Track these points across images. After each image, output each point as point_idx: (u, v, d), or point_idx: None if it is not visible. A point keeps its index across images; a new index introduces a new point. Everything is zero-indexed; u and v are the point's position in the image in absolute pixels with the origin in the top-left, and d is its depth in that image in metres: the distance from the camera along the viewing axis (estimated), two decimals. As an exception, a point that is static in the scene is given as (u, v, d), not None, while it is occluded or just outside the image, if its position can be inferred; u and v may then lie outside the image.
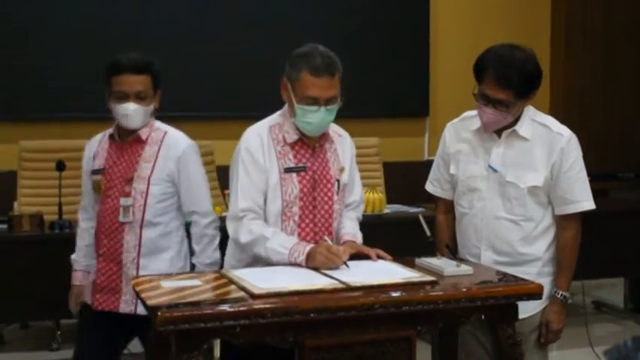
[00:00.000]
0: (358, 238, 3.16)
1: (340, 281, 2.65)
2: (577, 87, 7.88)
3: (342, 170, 3.13)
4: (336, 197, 3.10)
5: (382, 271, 2.81)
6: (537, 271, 3.11)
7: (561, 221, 3.14)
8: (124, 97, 3.21)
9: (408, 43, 7.17)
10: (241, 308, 2.43)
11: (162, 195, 3.29)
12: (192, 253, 3.40)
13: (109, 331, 3.35)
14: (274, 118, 3.09)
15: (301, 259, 2.86)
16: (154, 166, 3.29)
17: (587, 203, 3.12)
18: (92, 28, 6.33)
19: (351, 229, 3.18)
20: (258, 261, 2.97)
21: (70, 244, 3.53)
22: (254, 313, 2.43)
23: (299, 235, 3.03)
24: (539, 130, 3.11)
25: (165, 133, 3.35)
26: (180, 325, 2.36)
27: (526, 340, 3.06)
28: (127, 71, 3.21)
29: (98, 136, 3.41)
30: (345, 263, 2.83)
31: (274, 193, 3.01)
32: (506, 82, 2.97)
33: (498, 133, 3.12)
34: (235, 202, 2.99)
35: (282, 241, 2.92)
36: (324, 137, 3.11)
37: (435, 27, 7.40)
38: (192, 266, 3.37)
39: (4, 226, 4.65)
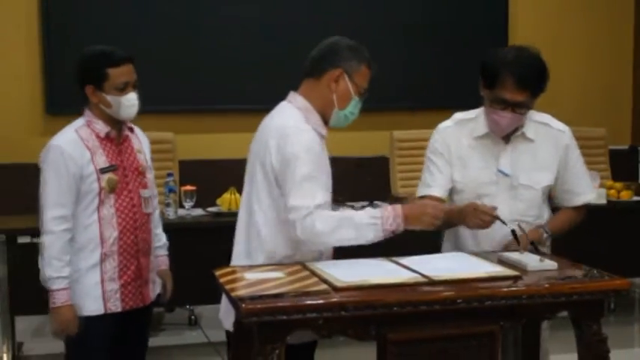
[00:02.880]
0: None
1: (423, 275, 2.64)
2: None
3: None
4: None
5: (465, 265, 2.79)
6: None
7: (568, 210, 3.30)
8: (125, 88, 3.16)
9: (487, 35, 7.08)
10: (324, 301, 2.45)
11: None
12: None
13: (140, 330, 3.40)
14: (298, 113, 2.92)
15: (398, 222, 2.78)
16: (145, 157, 3.35)
17: (591, 195, 3.29)
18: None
19: None
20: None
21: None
22: (337, 305, 2.44)
23: None
24: (542, 130, 3.17)
25: (132, 125, 3.36)
26: (263, 317, 2.39)
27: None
28: (126, 61, 3.18)
29: (73, 137, 3.15)
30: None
31: (331, 192, 2.96)
32: (525, 82, 2.98)
33: (504, 137, 3.14)
34: (311, 199, 2.77)
35: (369, 213, 2.81)
36: None
37: (514, 18, 7.29)
38: None
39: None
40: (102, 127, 3.19)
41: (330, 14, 6.64)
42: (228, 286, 2.61)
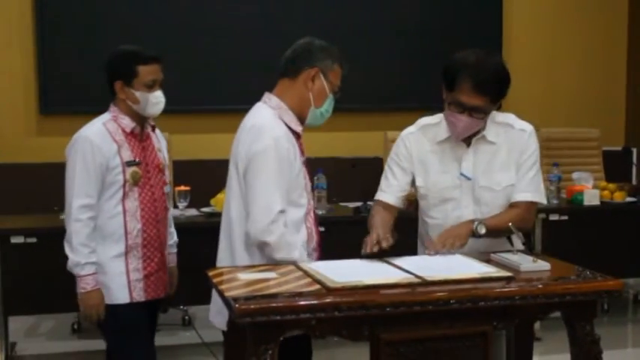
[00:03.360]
0: None
1: (416, 275, 2.64)
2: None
3: None
4: None
5: (458, 266, 2.79)
6: None
7: (511, 207, 3.11)
8: (153, 86, 3.29)
9: (480, 35, 7.10)
10: (317, 301, 2.45)
11: None
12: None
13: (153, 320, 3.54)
14: (272, 112, 3.02)
15: None
16: (164, 155, 3.49)
17: (534, 195, 3.12)
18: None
19: None
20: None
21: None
22: (330, 306, 2.44)
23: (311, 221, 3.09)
24: (503, 131, 3.11)
25: (153, 123, 3.48)
26: (256, 318, 2.39)
27: None
28: (155, 60, 3.31)
29: (101, 129, 3.24)
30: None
31: (301, 189, 3.04)
32: (484, 87, 2.93)
33: (465, 140, 3.09)
34: (273, 203, 2.89)
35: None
36: None
37: (509, 16, 7.30)
38: None
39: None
40: (128, 123, 3.30)
41: (327, 16, 6.67)
42: (221, 287, 2.61)
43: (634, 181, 6.46)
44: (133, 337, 3.33)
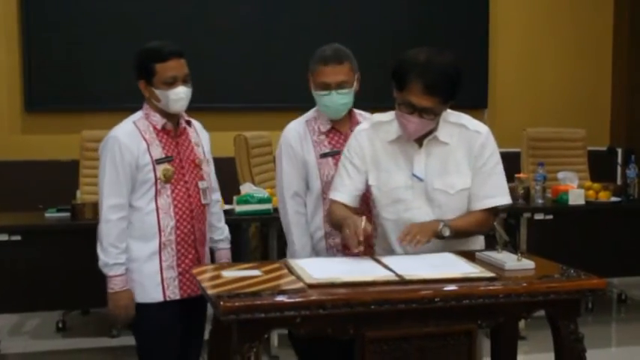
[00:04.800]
0: None
1: (396, 274, 2.64)
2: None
3: None
4: None
5: (442, 265, 2.78)
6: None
7: (475, 212, 3.06)
8: (174, 82, 3.23)
9: (467, 34, 7.13)
10: (302, 299, 2.45)
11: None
12: None
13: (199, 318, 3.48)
14: (310, 113, 3.43)
15: None
16: (203, 150, 3.44)
17: (502, 198, 3.07)
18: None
19: None
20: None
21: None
22: (314, 304, 2.44)
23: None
24: (457, 132, 3.03)
25: (189, 118, 3.44)
26: (241, 315, 2.38)
27: None
28: (174, 56, 3.24)
29: (131, 128, 3.26)
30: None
31: (313, 176, 3.33)
32: (434, 89, 2.85)
33: (418, 140, 3.02)
34: (283, 187, 3.38)
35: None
36: (354, 124, 3.32)
37: (495, 17, 7.33)
38: None
39: (67, 214, 4.75)
40: (159, 120, 3.28)
41: (323, 18, 6.73)
42: (205, 284, 2.61)
43: (618, 181, 6.47)
44: (164, 337, 3.28)
